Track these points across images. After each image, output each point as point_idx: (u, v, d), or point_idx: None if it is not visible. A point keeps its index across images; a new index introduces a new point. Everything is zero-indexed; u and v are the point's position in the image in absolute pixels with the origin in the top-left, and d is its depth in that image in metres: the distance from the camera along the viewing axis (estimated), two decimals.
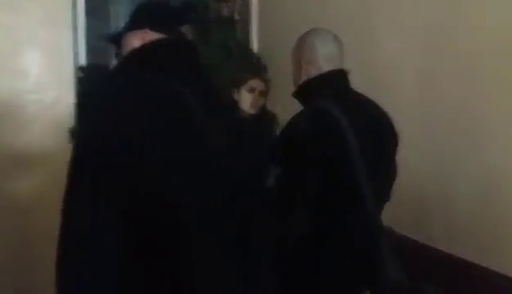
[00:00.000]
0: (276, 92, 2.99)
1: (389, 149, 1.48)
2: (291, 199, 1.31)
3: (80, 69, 2.94)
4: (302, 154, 1.28)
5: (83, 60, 3.02)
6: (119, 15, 3.63)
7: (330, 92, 1.40)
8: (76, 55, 2.91)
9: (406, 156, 1.95)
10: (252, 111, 2.11)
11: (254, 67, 2.13)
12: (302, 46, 1.49)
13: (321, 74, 1.43)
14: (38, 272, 2.75)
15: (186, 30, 2.84)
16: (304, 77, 1.45)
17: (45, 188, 2.74)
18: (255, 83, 2.08)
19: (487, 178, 1.62)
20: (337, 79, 1.46)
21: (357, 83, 2.27)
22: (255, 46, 3.23)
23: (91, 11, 3.09)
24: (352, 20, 2.29)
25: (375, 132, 1.41)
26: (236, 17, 3.34)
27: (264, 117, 2.23)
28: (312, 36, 1.49)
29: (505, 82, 1.54)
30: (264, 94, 2.12)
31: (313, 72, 1.44)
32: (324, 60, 1.44)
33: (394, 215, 1.87)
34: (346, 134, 1.28)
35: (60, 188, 2.98)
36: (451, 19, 1.76)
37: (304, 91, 1.46)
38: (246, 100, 2.09)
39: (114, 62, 3.35)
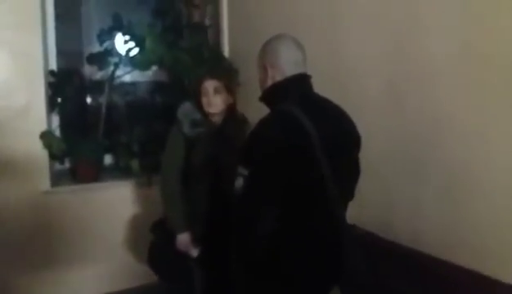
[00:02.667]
0: (247, 96, 3.04)
1: (352, 151, 1.54)
2: (258, 199, 1.35)
3: (51, 73, 2.92)
4: (268, 157, 1.33)
5: (53, 65, 3.00)
6: (90, 19, 3.62)
7: (294, 96, 1.44)
8: (46, 59, 2.88)
9: (373, 158, 2.03)
10: (210, 110, 2.17)
11: (214, 70, 2.18)
12: (267, 52, 1.53)
13: (286, 79, 1.47)
14: (3, 278, 2.74)
15: (157, 37, 2.87)
16: (269, 82, 1.49)
17: (14, 195, 2.71)
18: (207, 84, 2.14)
19: (450, 176, 1.69)
20: (301, 83, 1.50)
21: (323, 90, 2.34)
22: (226, 50, 3.26)
23: (60, 15, 3.08)
24: (319, 27, 2.35)
25: (338, 134, 1.46)
26: (207, 23, 3.37)
27: (234, 117, 2.27)
28: (275, 42, 1.53)
29: (465, 85, 1.61)
30: (220, 91, 2.15)
31: (278, 76, 1.48)
32: (288, 64, 1.48)
33: (361, 214, 1.95)
34: (310, 136, 1.33)
35: (30, 193, 2.97)
36: (415, 24, 1.81)
37: (270, 95, 1.51)
38: (203, 102, 2.16)
39: (83, 66, 3.35)
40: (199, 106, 2.21)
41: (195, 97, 2.23)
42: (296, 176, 1.34)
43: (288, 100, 1.42)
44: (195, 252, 2.22)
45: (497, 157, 1.51)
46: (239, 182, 1.35)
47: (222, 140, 2.20)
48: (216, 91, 2.15)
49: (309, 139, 1.33)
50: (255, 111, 2.74)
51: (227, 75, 2.32)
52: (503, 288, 1.47)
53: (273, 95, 1.49)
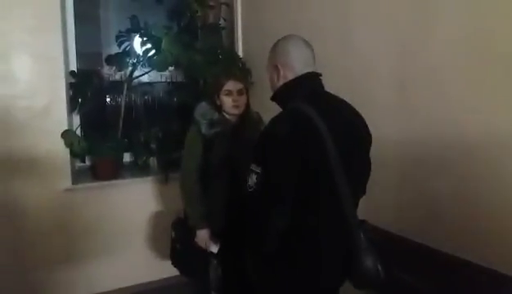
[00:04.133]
0: (260, 95, 3.09)
1: (363, 148, 1.57)
2: (271, 196, 1.38)
3: (71, 74, 3.01)
4: (278, 153, 1.36)
5: (73, 66, 3.09)
6: (109, 21, 3.71)
7: (305, 94, 1.48)
8: (66, 60, 2.97)
9: (384, 156, 2.05)
10: (235, 112, 2.22)
11: (233, 70, 2.21)
12: (277, 52, 1.56)
13: (297, 77, 1.51)
14: (28, 274, 2.84)
15: (173, 38, 2.93)
16: (281, 81, 1.53)
17: (36, 193, 2.81)
18: (231, 85, 2.18)
19: (463, 176, 1.71)
20: (311, 81, 1.54)
21: (336, 89, 2.38)
22: (240, 51, 3.31)
23: (80, 17, 3.17)
24: (330, 26, 2.38)
25: (349, 132, 1.49)
26: (222, 23, 3.43)
27: (249, 117, 2.31)
28: (285, 42, 1.57)
29: (474, 84, 1.63)
30: (243, 92, 2.21)
31: (289, 75, 1.52)
32: (298, 63, 1.52)
33: (375, 210, 1.98)
34: (322, 133, 1.36)
35: (52, 190, 3.05)
36: (425, 26, 1.84)
37: (282, 94, 1.54)
38: (227, 103, 2.20)
39: (102, 67, 3.44)
40: (215, 105, 2.26)
41: (212, 97, 2.28)
42: (306, 172, 1.37)
43: (300, 99, 1.45)
44: (214, 248, 2.27)
45: (506, 156, 1.53)
46: (251, 179, 1.37)
47: (239, 140, 2.25)
48: (239, 92, 2.19)
49: (319, 133, 1.36)
50: (267, 110, 2.79)
51: (246, 76, 2.35)
52: None
53: (285, 93, 1.53)
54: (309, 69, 1.54)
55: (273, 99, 1.59)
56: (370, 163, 1.61)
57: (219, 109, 2.25)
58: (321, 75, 1.57)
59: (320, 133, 1.37)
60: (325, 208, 1.46)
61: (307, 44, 1.58)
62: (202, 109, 2.29)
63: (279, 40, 1.58)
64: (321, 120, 1.38)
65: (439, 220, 1.81)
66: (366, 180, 1.61)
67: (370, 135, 1.58)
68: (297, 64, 1.52)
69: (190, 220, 2.27)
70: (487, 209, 1.61)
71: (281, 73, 1.52)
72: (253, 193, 1.38)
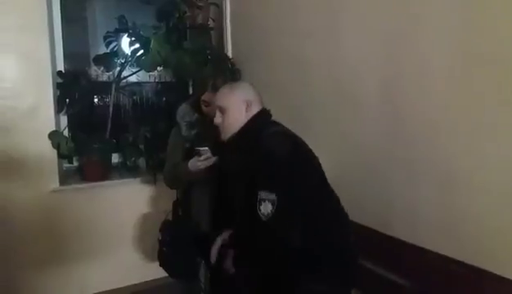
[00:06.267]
0: None
1: None
2: (294, 219, 1.46)
3: (59, 74, 2.99)
4: (293, 177, 1.47)
5: (60, 66, 3.07)
6: (97, 21, 3.69)
7: (273, 121, 1.73)
8: (53, 61, 2.95)
9: (372, 159, 2.07)
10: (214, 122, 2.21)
11: (211, 83, 2.17)
12: (241, 90, 1.74)
13: (263, 108, 1.75)
14: (15, 276, 2.81)
15: (162, 39, 2.92)
16: (249, 114, 1.70)
17: (23, 194, 2.79)
18: (207, 97, 2.16)
19: (445, 174, 1.72)
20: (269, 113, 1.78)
21: (322, 92, 2.40)
22: (229, 51, 3.31)
23: (67, 17, 3.14)
24: (318, 30, 2.39)
25: None
26: (211, 24, 3.43)
27: None
28: (243, 83, 1.83)
29: (458, 86, 1.64)
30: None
31: (256, 108, 1.72)
32: (260, 98, 1.76)
33: (360, 211, 2.00)
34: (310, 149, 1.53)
35: (39, 191, 3.04)
36: (410, 29, 1.84)
37: (256, 123, 1.69)
38: (206, 112, 2.18)
39: (90, 68, 3.41)
40: (196, 106, 2.25)
41: (196, 98, 2.27)
42: (317, 186, 1.54)
43: (271, 124, 1.69)
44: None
45: (490, 155, 1.56)
46: (266, 207, 1.42)
47: (222, 141, 2.25)
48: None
49: (310, 149, 1.54)
50: None
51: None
52: (504, 284, 1.51)
53: (259, 121, 1.70)
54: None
55: (244, 130, 1.68)
56: None
57: (200, 109, 2.23)
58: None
59: (310, 148, 1.53)
60: (333, 218, 1.60)
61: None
62: (182, 111, 2.29)
63: (234, 84, 1.80)
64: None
65: (427, 222, 1.84)
66: None
67: None
68: (259, 98, 1.75)
69: (181, 174, 2.19)
70: (475, 212, 1.64)
71: (250, 106, 1.70)
72: (270, 221, 1.42)
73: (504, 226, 1.51)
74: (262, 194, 1.44)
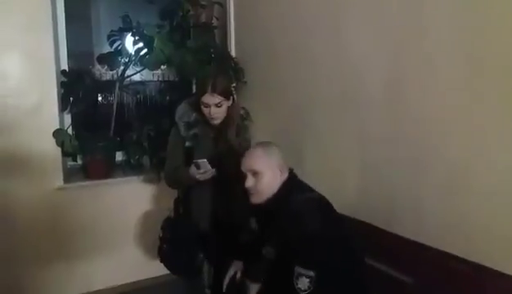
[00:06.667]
0: (252, 93, 3.12)
1: None
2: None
3: (63, 73, 3.00)
4: (330, 252, 1.51)
5: (64, 65, 3.09)
6: (100, 21, 3.71)
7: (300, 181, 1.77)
8: (57, 60, 2.97)
9: (376, 158, 2.07)
10: (213, 122, 2.22)
11: (210, 84, 2.15)
12: (274, 156, 1.74)
13: (291, 173, 1.76)
14: (20, 272, 2.83)
15: (165, 37, 2.93)
16: (280, 180, 1.71)
17: (28, 191, 2.81)
18: (206, 99, 2.16)
19: (450, 173, 1.72)
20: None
21: (327, 89, 2.40)
22: (233, 50, 3.32)
23: (71, 17, 3.16)
24: (322, 26, 2.39)
25: None
26: (214, 23, 3.43)
27: (232, 121, 2.28)
28: (273, 147, 1.78)
29: (464, 85, 1.64)
30: (221, 105, 2.17)
31: (285, 173, 1.74)
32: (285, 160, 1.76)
33: (365, 210, 2.01)
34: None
35: (44, 189, 3.05)
36: (415, 26, 1.83)
37: (286, 189, 1.70)
38: (205, 114, 2.19)
39: (94, 66, 3.43)
40: (195, 105, 2.24)
41: (195, 98, 2.27)
42: (355, 257, 1.61)
43: (300, 189, 1.71)
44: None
45: (495, 154, 1.56)
46: (303, 283, 1.46)
47: (222, 142, 2.26)
48: (217, 105, 2.17)
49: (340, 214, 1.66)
50: (259, 107, 2.83)
51: (229, 87, 2.30)
52: (504, 279, 1.52)
53: (290, 187, 1.71)
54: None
55: (278, 196, 1.69)
56: None
57: (199, 109, 2.23)
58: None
59: (338, 214, 1.64)
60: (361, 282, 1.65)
61: None
62: (180, 111, 2.28)
63: (266, 144, 1.80)
64: None
65: (430, 220, 1.84)
66: None
67: None
68: (285, 163, 1.76)
69: (185, 179, 2.21)
70: (477, 210, 1.64)
71: (283, 172, 1.72)
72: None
73: (504, 223, 1.52)
74: (300, 270, 1.47)
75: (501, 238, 1.53)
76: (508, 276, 1.49)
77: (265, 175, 1.68)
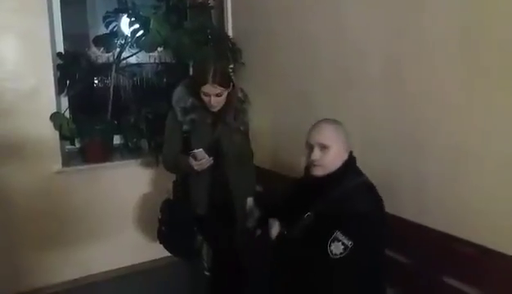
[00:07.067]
0: (250, 74, 3.09)
1: None
2: (360, 268, 1.59)
3: (59, 55, 2.97)
4: (373, 234, 1.60)
5: (60, 47, 3.05)
6: (95, 2, 3.65)
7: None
8: (53, 42, 2.93)
9: (377, 136, 2.07)
10: (212, 110, 2.20)
11: (212, 74, 2.11)
12: (344, 132, 1.76)
13: (350, 155, 1.78)
14: (18, 256, 2.85)
15: (161, 18, 2.89)
16: (341, 159, 1.74)
17: (26, 175, 2.81)
18: (207, 89, 2.13)
19: (453, 154, 1.72)
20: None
21: (327, 68, 2.38)
22: (230, 31, 3.28)
23: None
24: (322, 5, 2.36)
25: None
26: (211, 3, 3.38)
27: (231, 105, 2.26)
28: (341, 124, 1.78)
29: (463, 64, 1.63)
30: (221, 94, 2.15)
31: (346, 154, 1.76)
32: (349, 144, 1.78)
33: None
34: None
35: (42, 173, 3.04)
36: (416, 4, 1.81)
37: (345, 171, 1.74)
38: (205, 101, 2.17)
39: (89, 49, 3.39)
40: (193, 89, 2.21)
41: (192, 81, 2.25)
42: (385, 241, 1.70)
43: (356, 172, 1.75)
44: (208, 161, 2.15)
45: (497, 133, 1.55)
46: (337, 247, 1.54)
47: (221, 127, 2.25)
48: (218, 95, 2.15)
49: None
50: (258, 89, 2.81)
51: (229, 75, 2.26)
52: (504, 260, 1.53)
53: (351, 166, 1.76)
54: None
55: (339, 172, 1.73)
56: None
57: (196, 94, 2.20)
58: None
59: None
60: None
61: None
62: (177, 95, 2.25)
63: (336, 123, 1.78)
64: None
65: (431, 196, 1.85)
66: None
67: None
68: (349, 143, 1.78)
69: (185, 168, 2.21)
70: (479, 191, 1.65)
71: (346, 150, 1.76)
72: (336, 262, 1.54)
73: (507, 204, 1.53)
74: (339, 236, 1.55)
75: (503, 219, 1.54)
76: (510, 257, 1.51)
77: (331, 150, 1.71)
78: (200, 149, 2.10)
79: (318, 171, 1.73)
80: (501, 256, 1.54)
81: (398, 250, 1.88)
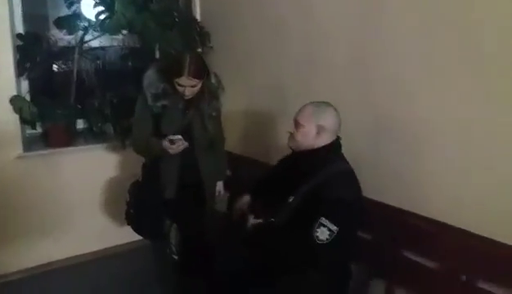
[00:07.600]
0: (219, 57, 3.08)
1: None
2: (344, 249, 1.72)
3: (18, 36, 2.86)
4: (355, 219, 1.74)
5: (20, 28, 2.94)
6: None
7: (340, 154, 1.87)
8: (12, 22, 2.82)
9: (345, 118, 2.13)
10: (186, 97, 2.18)
11: (187, 67, 2.07)
12: (322, 115, 1.81)
13: (335, 140, 1.84)
14: None
15: (127, 0, 2.83)
16: (319, 141, 1.80)
17: None
18: (182, 81, 2.10)
19: (412, 133, 1.82)
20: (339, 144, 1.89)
21: (294, 52, 2.42)
22: (198, 14, 3.25)
23: None
24: None
25: None
26: None
27: (204, 91, 2.25)
28: (328, 108, 1.83)
29: (425, 52, 1.72)
30: (196, 85, 2.14)
31: (328, 138, 1.81)
32: (336, 129, 1.83)
33: None
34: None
35: (2, 158, 2.95)
36: None
37: (324, 154, 1.81)
38: (180, 90, 2.15)
39: (49, 31, 3.28)
40: (165, 75, 2.18)
41: (164, 66, 2.23)
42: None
43: (338, 158, 1.83)
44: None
45: (451, 114, 1.65)
46: (323, 233, 1.63)
47: (193, 112, 2.25)
48: (193, 86, 2.14)
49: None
50: (227, 72, 2.81)
51: (205, 67, 2.22)
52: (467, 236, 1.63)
53: (326, 152, 1.81)
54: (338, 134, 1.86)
55: (310, 154, 1.82)
56: None
57: (168, 79, 2.18)
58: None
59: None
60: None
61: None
62: (147, 80, 2.22)
63: (320, 106, 1.83)
64: None
65: (391, 175, 1.93)
66: None
67: None
68: (336, 129, 1.83)
69: (157, 151, 2.21)
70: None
71: (320, 134, 1.80)
72: (324, 246, 1.63)
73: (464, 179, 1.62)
74: (325, 222, 1.63)
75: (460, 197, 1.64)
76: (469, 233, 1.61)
77: (301, 129, 1.82)
78: (179, 136, 2.12)
79: (290, 143, 1.89)
80: (458, 231, 1.64)
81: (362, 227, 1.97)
